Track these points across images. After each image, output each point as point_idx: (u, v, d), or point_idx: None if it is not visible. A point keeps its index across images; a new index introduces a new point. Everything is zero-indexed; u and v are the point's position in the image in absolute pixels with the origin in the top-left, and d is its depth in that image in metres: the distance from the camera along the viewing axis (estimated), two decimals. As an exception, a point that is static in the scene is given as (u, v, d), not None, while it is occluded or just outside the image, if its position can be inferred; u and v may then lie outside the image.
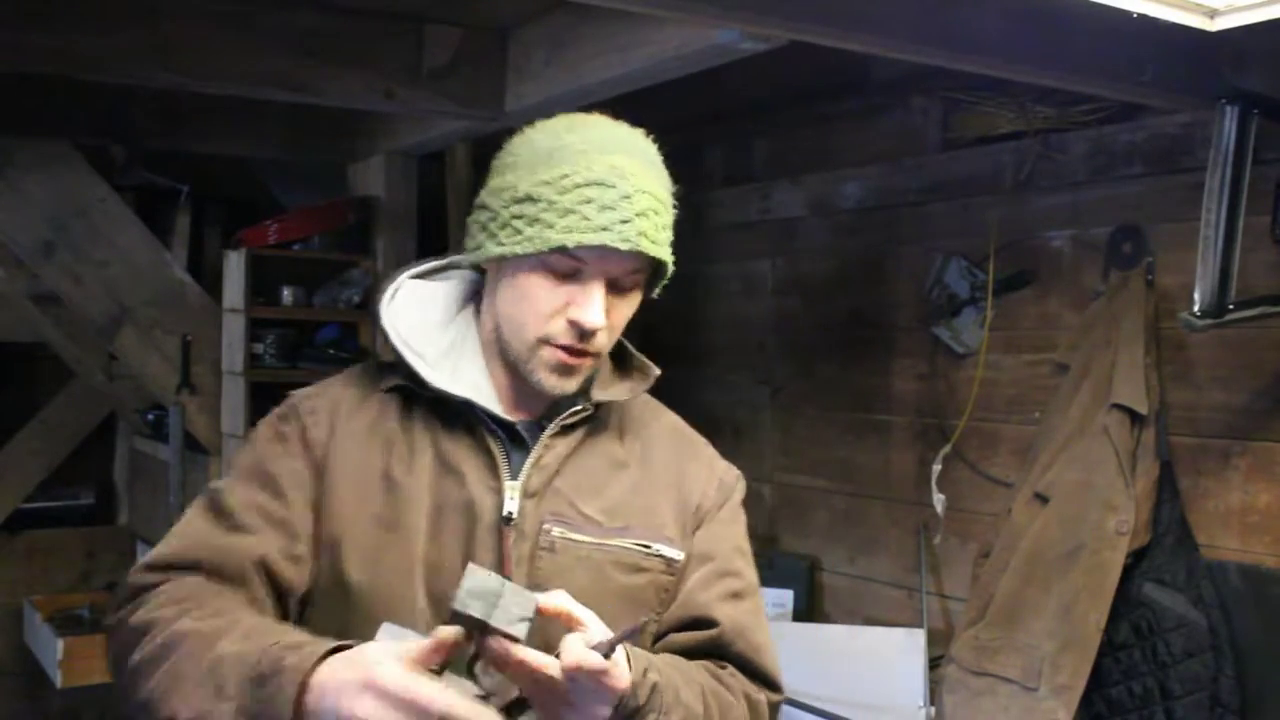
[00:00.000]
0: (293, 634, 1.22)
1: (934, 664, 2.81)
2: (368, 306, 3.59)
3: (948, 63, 1.94)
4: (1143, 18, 1.62)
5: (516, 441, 1.42)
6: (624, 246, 1.32)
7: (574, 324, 1.35)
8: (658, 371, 1.58)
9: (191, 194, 3.95)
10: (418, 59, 2.70)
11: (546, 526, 1.38)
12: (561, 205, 1.32)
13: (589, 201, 1.32)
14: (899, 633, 2.93)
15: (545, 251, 1.32)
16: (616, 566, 1.40)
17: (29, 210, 3.39)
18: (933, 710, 2.74)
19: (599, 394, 1.47)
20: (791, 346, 3.49)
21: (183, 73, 2.59)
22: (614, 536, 1.41)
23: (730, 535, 1.53)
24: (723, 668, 1.44)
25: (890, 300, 3.17)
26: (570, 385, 1.40)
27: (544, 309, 1.36)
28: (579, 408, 1.44)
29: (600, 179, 1.33)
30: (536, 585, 1.33)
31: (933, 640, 2.88)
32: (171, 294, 3.59)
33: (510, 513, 1.38)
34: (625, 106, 2.91)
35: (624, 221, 1.32)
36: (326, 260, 3.66)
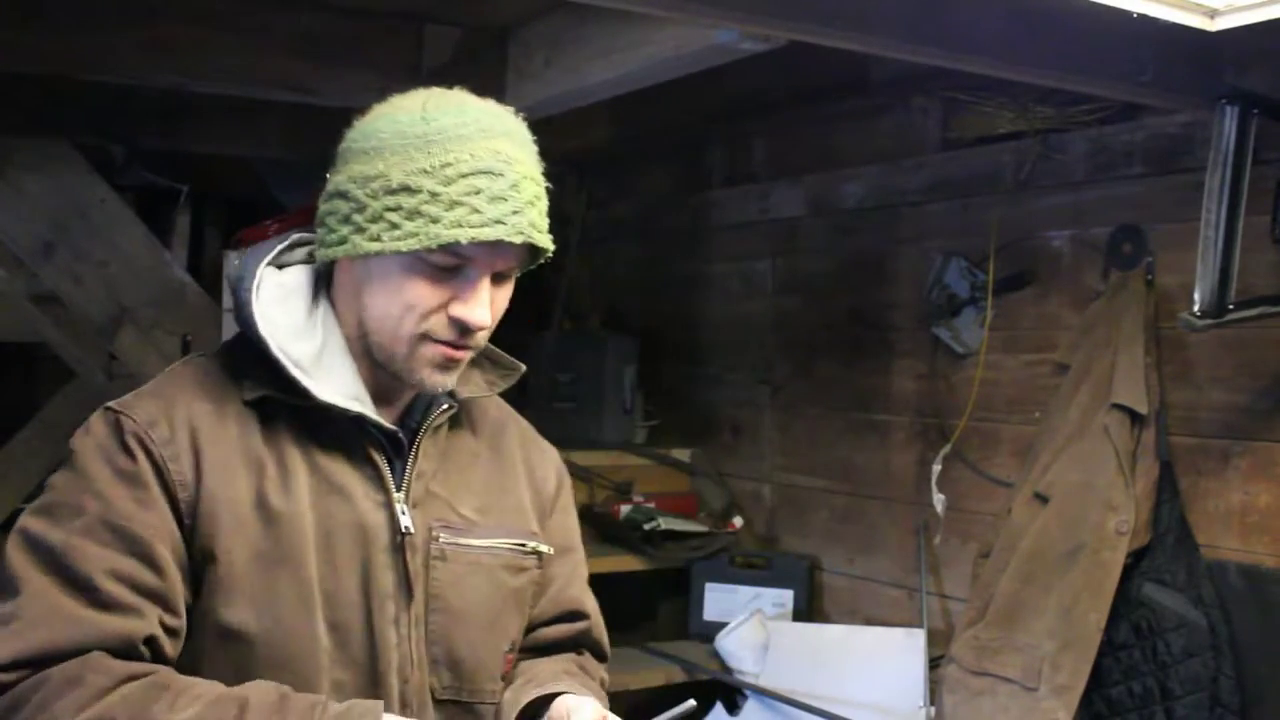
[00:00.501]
0: (313, 699, 1.20)
1: (934, 664, 2.81)
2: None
3: (948, 63, 1.94)
4: (1143, 18, 1.62)
5: (394, 448, 1.33)
6: (518, 239, 1.24)
7: (458, 321, 1.26)
8: (523, 367, 1.47)
9: (191, 194, 3.95)
10: (418, 59, 2.70)
11: (435, 534, 1.33)
12: (447, 197, 1.21)
13: (477, 192, 1.22)
14: (899, 633, 2.93)
15: (432, 249, 1.22)
16: (505, 569, 1.39)
17: (29, 210, 3.39)
18: (933, 710, 2.74)
19: (464, 389, 1.38)
20: (791, 346, 3.49)
21: (183, 73, 2.59)
22: (494, 536, 1.38)
23: (576, 523, 1.55)
24: (581, 654, 1.50)
25: (890, 300, 3.16)
26: (451, 381, 1.32)
27: (424, 306, 1.26)
28: (445, 406, 1.37)
29: (487, 168, 1.23)
30: (435, 596, 1.33)
31: (933, 640, 2.88)
32: (171, 294, 3.59)
33: (407, 528, 1.31)
34: (625, 106, 2.91)
35: (515, 212, 1.24)
36: (326, 260, 3.65)
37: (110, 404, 1.26)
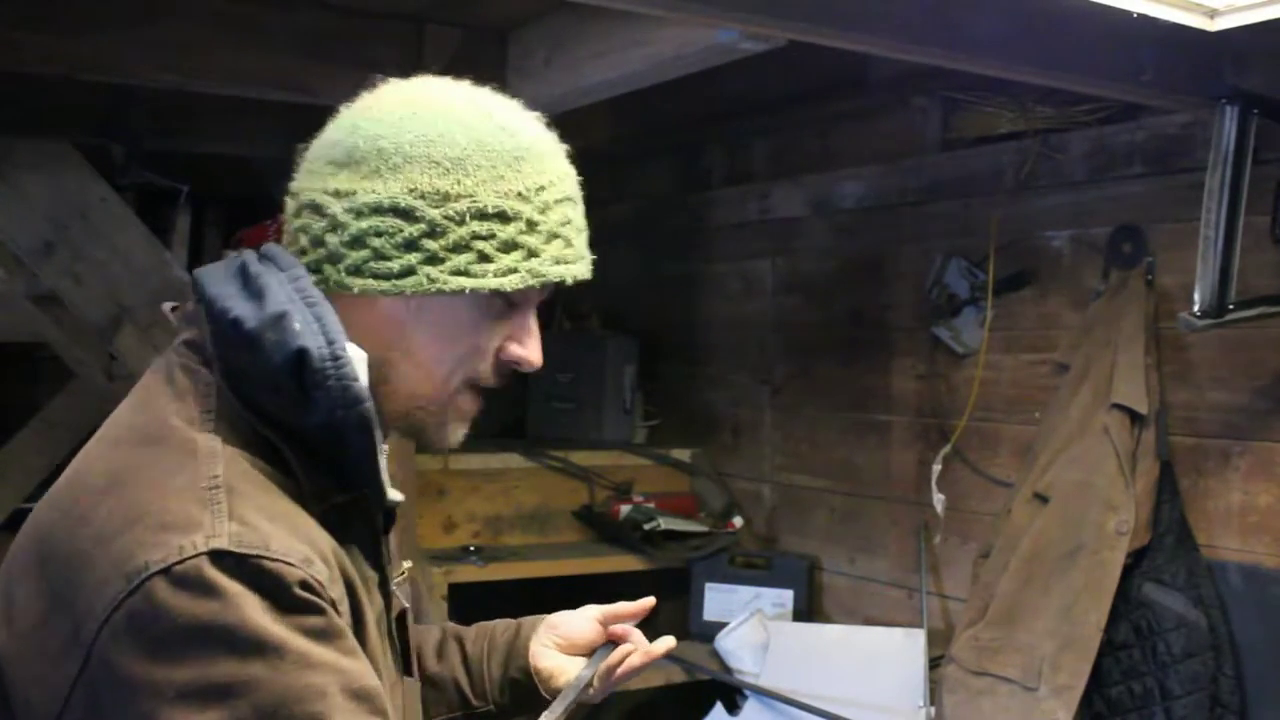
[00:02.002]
0: None
1: (934, 664, 2.81)
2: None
3: (948, 63, 1.95)
4: (1143, 18, 1.62)
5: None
6: (589, 275, 1.12)
7: (515, 362, 1.11)
8: None
9: (191, 194, 3.95)
10: (418, 59, 2.70)
11: (406, 611, 1.19)
12: (545, 227, 1.05)
13: (568, 223, 1.08)
14: (899, 633, 2.93)
15: (535, 288, 1.06)
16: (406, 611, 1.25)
17: (29, 210, 3.39)
18: (933, 710, 2.74)
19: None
20: (791, 346, 3.49)
21: (183, 73, 2.59)
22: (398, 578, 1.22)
23: None
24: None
25: (890, 300, 3.16)
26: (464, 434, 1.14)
27: (489, 349, 1.09)
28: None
29: (571, 194, 1.10)
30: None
31: (933, 640, 2.87)
32: (171, 294, 3.56)
33: (405, 607, 1.16)
34: (625, 106, 2.91)
35: (587, 244, 1.12)
36: (326, 260, 3.65)
37: (225, 548, 0.90)
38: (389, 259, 1.01)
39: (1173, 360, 2.50)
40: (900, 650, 2.88)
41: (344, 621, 0.95)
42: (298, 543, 0.93)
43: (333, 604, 0.94)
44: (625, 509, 3.47)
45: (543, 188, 1.05)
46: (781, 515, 3.51)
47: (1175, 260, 2.47)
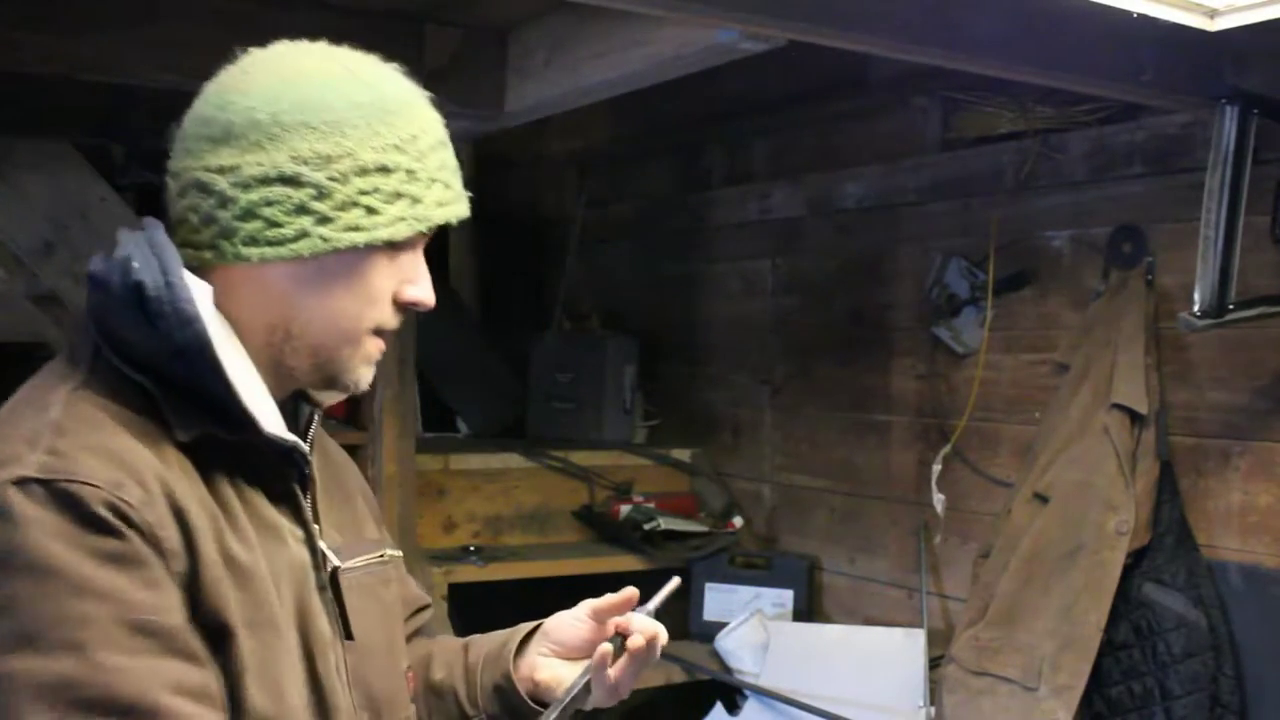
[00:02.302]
0: None
1: (934, 664, 2.81)
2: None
3: (947, 63, 1.94)
4: (1143, 18, 1.62)
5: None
6: (468, 213, 1.15)
7: (411, 304, 1.14)
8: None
9: (191, 194, 3.94)
10: (418, 59, 2.70)
11: (339, 569, 1.18)
12: (424, 174, 1.10)
13: (444, 167, 1.12)
14: (899, 633, 2.93)
15: (424, 233, 1.11)
16: (380, 585, 1.26)
17: (29, 210, 3.39)
18: (933, 710, 2.74)
19: (325, 396, 1.22)
20: (791, 346, 3.49)
21: (183, 73, 2.58)
22: (359, 553, 1.23)
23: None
24: (432, 640, 1.44)
25: (890, 300, 3.16)
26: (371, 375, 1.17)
27: (385, 295, 1.12)
28: (311, 411, 1.22)
29: (443, 137, 1.14)
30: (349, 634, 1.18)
31: (933, 640, 2.88)
32: (171, 294, 3.59)
33: (336, 564, 1.16)
34: (625, 106, 2.91)
35: (463, 184, 1.15)
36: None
37: (30, 474, 0.95)
38: (282, 226, 1.06)
39: (1173, 360, 2.50)
40: (900, 650, 2.88)
41: (169, 548, 0.97)
42: (113, 469, 0.97)
43: (148, 529, 0.96)
44: (625, 509, 3.47)
45: (415, 136, 1.09)
46: (781, 515, 3.51)
47: (1175, 260, 2.47)
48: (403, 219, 1.08)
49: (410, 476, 3.17)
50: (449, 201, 1.11)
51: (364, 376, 1.15)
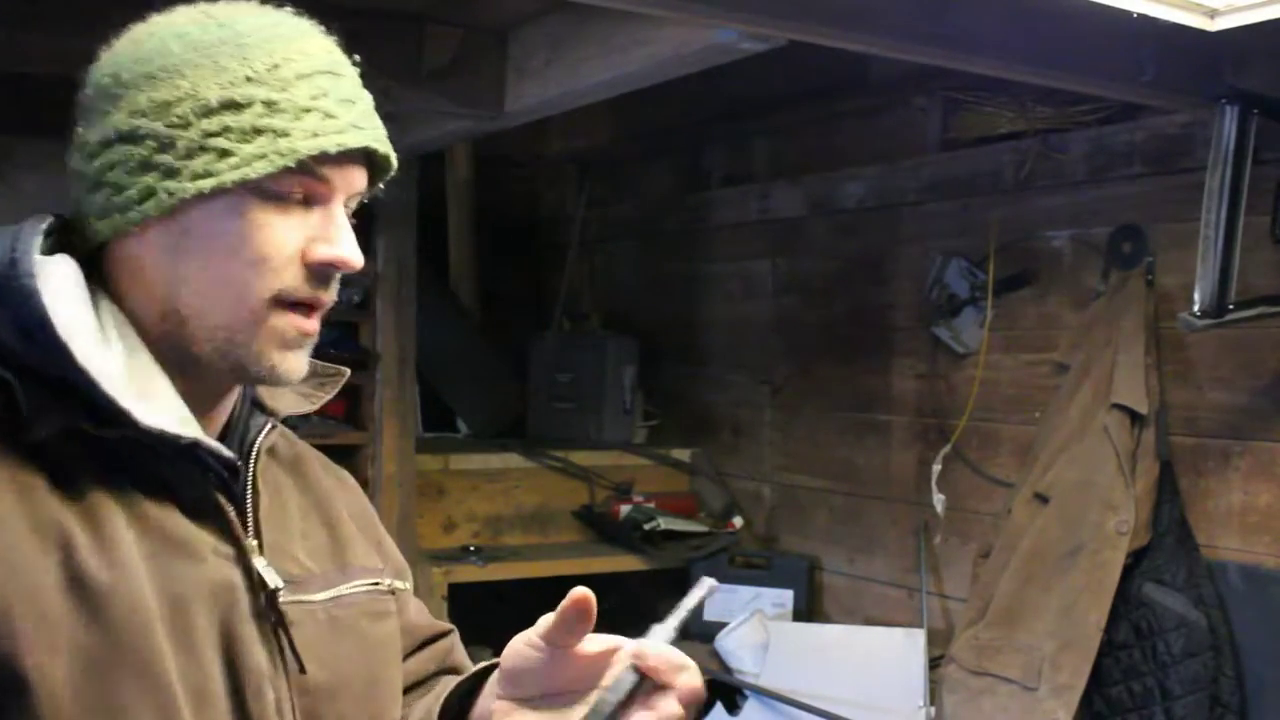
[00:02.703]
0: None
1: (934, 664, 2.81)
2: (368, 306, 3.59)
3: (948, 63, 1.95)
4: (1143, 18, 1.62)
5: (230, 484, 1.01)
6: (381, 148, 1.00)
7: (323, 265, 0.97)
8: (346, 371, 1.16)
9: (191, 194, 3.95)
10: (418, 59, 2.70)
11: (279, 592, 1.01)
12: (290, 104, 0.95)
13: (323, 95, 0.97)
14: (899, 633, 2.93)
15: (280, 171, 0.94)
16: (366, 618, 1.10)
17: (29, 210, 3.38)
18: (933, 710, 2.74)
19: (282, 404, 1.09)
20: (791, 346, 3.49)
21: (182, 73, 2.59)
22: (339, 583, 1.08)
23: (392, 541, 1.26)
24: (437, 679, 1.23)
25: (890, 300, 3.17)
26: (304, 366, 1.01)
27: (279, 254, 0.96)
28: (269, 424, 1.08)
29: (326, 66, 0.99)
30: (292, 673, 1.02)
31: (933, 640, 2.88)
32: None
33: (276, 585, 0.99)
34: (625, 106, 2.92)
35: (367, 116, 1.00)
36: (326, 260, 3.65)
37: None
38: (126, 188, 0.94)
39: (1173, 360, 2.50)
40: (900, 650, 2.88)
41: None
42: None
43: None
44: (625, 509, 3.47)
45: (277, 65, 0.95)
46: (781, 515, 3.51)
47: (1175, 260, 2.48)
48: (262, 155, 0.93)
49: (410, 476, 3.17)
50: (329, 131, 0.95)
51: (281, 363, 0.98)
